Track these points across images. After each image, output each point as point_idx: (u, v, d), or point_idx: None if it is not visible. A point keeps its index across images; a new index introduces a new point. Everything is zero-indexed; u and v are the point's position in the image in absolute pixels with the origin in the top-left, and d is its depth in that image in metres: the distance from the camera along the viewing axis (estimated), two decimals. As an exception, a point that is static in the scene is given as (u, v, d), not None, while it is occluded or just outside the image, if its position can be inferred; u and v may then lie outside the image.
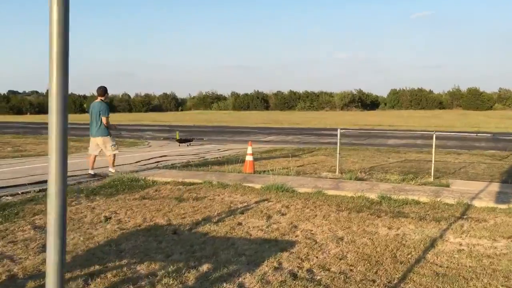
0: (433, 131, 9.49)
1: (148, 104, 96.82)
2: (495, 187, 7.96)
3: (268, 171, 9.35)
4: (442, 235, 5.07)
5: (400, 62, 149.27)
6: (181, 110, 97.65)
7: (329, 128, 30.87)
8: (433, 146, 8.98)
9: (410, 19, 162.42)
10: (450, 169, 10.76)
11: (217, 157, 12.63)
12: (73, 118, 56.31)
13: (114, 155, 9.00)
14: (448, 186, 7.99)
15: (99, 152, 9.09)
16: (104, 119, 8.77)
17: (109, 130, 8.98)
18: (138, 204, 6.47)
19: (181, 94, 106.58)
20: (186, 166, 10.49)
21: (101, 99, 8.96)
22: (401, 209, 6.37)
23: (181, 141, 17.79)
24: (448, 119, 47.55)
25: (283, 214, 5.94)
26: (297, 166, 10.70)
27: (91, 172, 8.90)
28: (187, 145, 17.36)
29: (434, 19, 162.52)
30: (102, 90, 8.97)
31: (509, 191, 7.51)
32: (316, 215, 5.89)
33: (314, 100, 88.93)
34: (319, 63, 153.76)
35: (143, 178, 8.42)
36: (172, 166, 10.27)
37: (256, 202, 6.65)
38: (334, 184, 7.99)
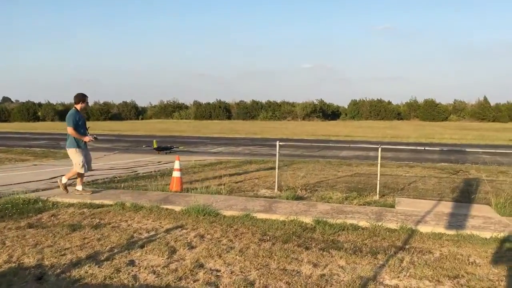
0: (378, 145, 8.69)
1: (107, 112, 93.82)
2: (444, 207, 7.21)
3: (198, 189, 8.27)
4: (376, 274, 4.14)
5: (362, 73, 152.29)
6: (142, 119, 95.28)
7: (285, 139, 30.16)
8: (379, 163, 8.19)
9: (372, 32, 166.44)
10: (399, 184, 10.04)
11: (152, 171, 11.44)
12: (21, 126, 53.32)
13: (80, 174, 7.67)
14: (393, 206, 7.17)
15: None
16: (68, 130, 7.49)
17: (80, 142, 7.61)
18: (17, 235, 5.23)
19: (141, 103, 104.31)
20: (109, 182, 9.26)
21: (75, 108, 7.66)
22: (336, 237, 5.44)
23: (159, 149, 17.75)
24: (405, 130, 48.04)
25: (192, 247, 4.87)
26: (235, 182, 9.69)
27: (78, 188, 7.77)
28: (165, 153, 17.41)
29: (395, 32, 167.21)
30: (77, 97, 7.62)
31: (458, 213, 6.76)
32: (232, 248, 4.86)
33: (276, 110, 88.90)
34: (284, 73, 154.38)
35: (44, 199, 7.15)
36: (90, 183, 9.00)
37: (166, 231, 5.55)
38: (267, 205, 7.01)
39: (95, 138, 7.77)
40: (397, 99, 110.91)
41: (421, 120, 76.66)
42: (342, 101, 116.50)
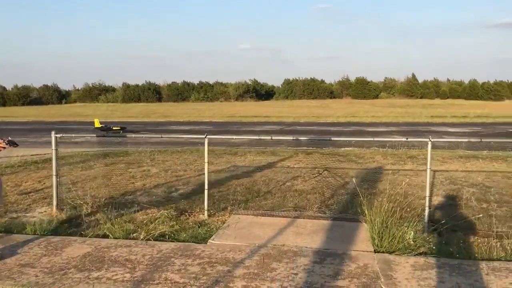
0: (204, 135, 5.76)
1: (25, 97, 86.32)
2: (292, 234, 4.46)
3: None
4: None
5: (299, 54, 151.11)
6: (65, 103, 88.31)
7: (191, 122, 27.08)
8: (206, 161, 5.29)
9: (309, 12, 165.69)
10: (272, 183, 7.34)
11: None
12: None
13: None
14: (209, 236, 4.31)
15: None
16: None
17: None
18: None
19: (65, 86, 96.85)
20: None
21: None
22: None
23: (103, 129, 17.90)
24: (334, 108, 46.60)
25: None
26: (27, 193, 6.49)
27: None
28: (106, 133, 17.00)
29: (330, 12, 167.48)
30: None
31: (308, 246, 4.00)
32: None
33: (209, 91, 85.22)
34: (222, 55, 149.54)
35: None
36: None
37: None
38: (-26, 252, 3.89)
39: (10, 143, 4.01)
40: (331, 78, 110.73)
41: (353, 98, 76.18)
42: (278, 82, 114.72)
